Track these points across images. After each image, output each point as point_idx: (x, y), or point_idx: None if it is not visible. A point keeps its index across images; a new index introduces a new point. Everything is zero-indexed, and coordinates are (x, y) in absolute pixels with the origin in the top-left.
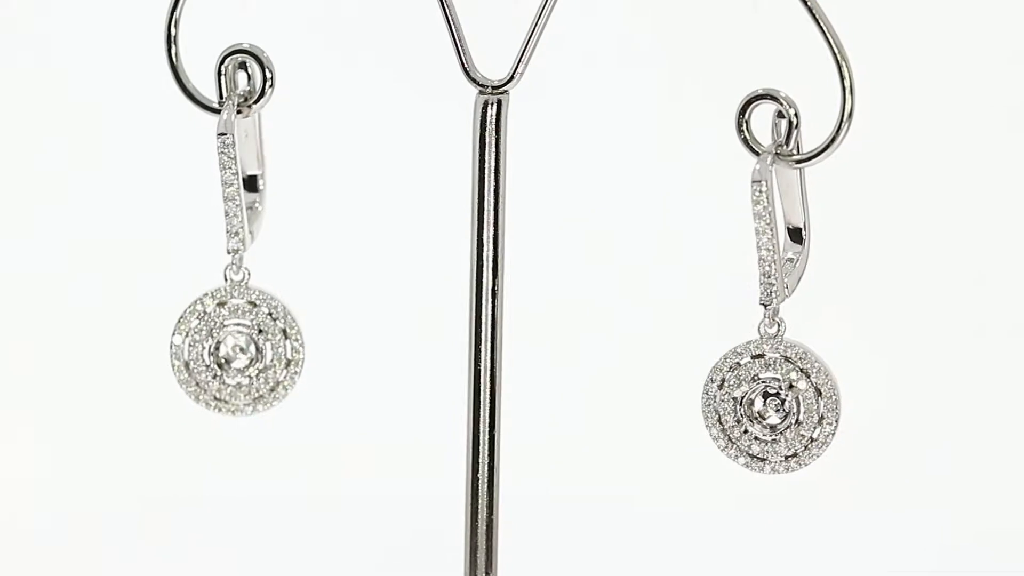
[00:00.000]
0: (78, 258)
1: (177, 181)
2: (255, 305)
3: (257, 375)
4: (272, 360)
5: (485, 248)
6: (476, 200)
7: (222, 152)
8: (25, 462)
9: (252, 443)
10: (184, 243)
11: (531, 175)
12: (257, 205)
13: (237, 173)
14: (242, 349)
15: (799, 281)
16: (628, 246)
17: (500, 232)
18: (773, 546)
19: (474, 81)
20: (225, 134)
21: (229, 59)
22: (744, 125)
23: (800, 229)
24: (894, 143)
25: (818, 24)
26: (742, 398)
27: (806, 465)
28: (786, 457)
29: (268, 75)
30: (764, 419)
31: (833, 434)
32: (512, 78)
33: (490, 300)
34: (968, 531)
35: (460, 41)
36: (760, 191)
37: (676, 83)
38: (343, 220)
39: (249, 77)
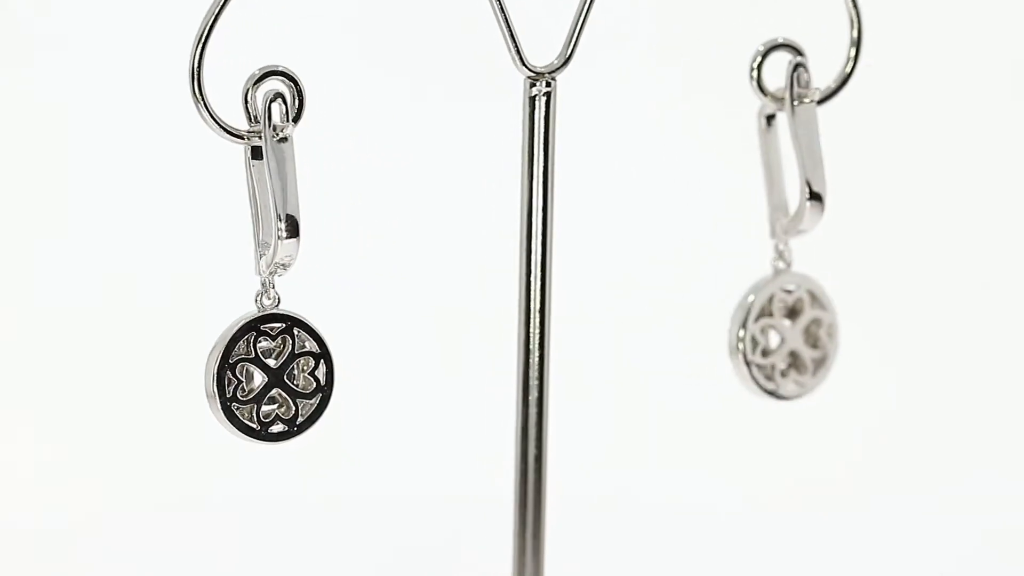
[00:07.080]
0: (80, 257)
1: (177, 183)
2: None
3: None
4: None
5: (534, 241)
6: (525, 190)
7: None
8: (25, 462)
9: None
10: (185, 243)
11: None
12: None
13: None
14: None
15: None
16: (672, 245)
17: (549, 217)
18: (779, 549)
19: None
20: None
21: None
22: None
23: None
24: (897, 144)
25: None
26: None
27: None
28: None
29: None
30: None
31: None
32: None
33: (538, 306)
34: (974, 535)
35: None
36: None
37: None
38: (381, 224)
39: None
